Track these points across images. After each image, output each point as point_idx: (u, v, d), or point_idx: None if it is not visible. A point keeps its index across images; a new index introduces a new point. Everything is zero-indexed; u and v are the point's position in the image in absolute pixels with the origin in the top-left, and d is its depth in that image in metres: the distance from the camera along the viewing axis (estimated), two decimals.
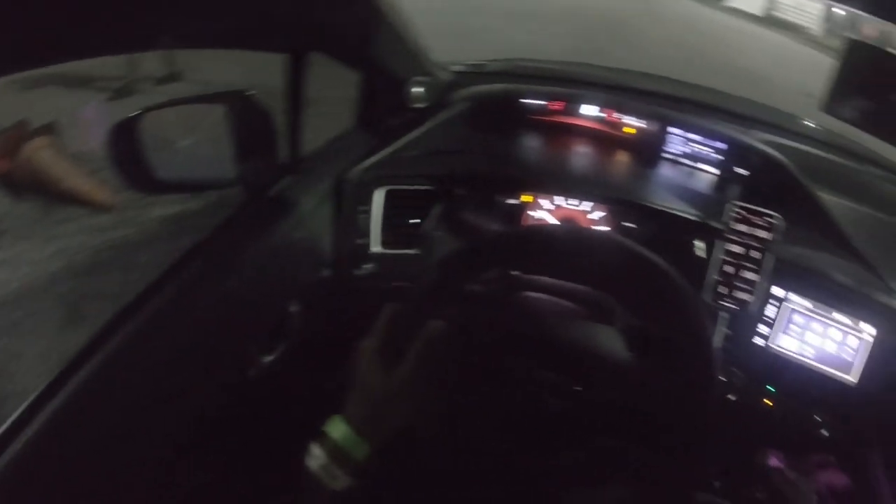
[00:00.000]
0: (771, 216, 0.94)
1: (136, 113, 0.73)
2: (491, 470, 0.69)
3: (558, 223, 1.10)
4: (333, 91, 1.15)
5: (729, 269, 0.95)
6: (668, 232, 1.03)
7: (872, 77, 0.63)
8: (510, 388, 0.67)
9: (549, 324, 0.69)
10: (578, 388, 0.66)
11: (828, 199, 1.08)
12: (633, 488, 0.68)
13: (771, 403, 1.00)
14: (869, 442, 1.10)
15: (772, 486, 1.17)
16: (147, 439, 0.66)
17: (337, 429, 0.61)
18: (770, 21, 12.40)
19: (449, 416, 0.70)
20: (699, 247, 1.01)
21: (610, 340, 0.68)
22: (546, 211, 1.11)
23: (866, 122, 0.65)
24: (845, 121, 0.68)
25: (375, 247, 1.01)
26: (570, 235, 0.71)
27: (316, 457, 0.59)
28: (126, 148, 0.72)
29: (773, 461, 1.29)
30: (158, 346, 0.66)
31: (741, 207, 0.94)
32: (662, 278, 0.64)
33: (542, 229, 0.79)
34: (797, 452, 1.23)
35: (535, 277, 0.81)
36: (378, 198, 1.00)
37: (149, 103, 0.74)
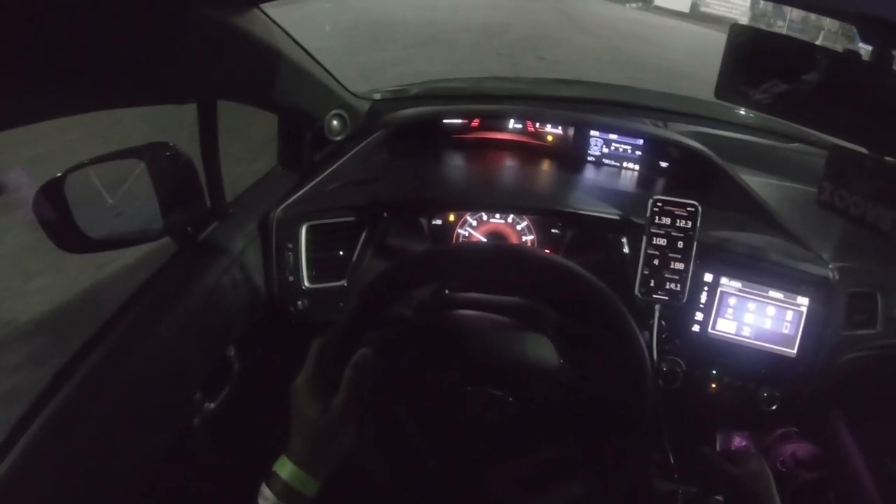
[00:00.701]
0: (690, 205, 1.00)
1: (59, 175, 0.78)
2: (439, 488, 0.74)
3: (482, 239, 1.19)
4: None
5: (656, 262, 1.01)
6: (593, 234, 1.12)
7: (755, 57, 0.67)
8: (447, 406, 0.72)
9: (480, 338, 0.75)
10: (512, 399, 0.70)
11: (750, 179, 1.17)
12: (585, 489, 0.73)
13: (715, 386, 1.07)
14: (826, 408, 1.21)
15: (733, 464, 1.26)
16: (92, 497, 0.69)
17: (284, 468, 0.67)
18: (696, 16, 13.23)
19: (389, 440, 0.76)
20: (626, 244, 1.08)
21: (541, 348, 0.74)
22: (473, 228, 1.20)
23: (756, 102, 0.69)
24: (737, 104, 0.75)
25: (305, 283, 1.05)
26: (472, 250, 0.78)
27: (267, 498, 0.65)
28: (53, 209, 0.77)
29: (737, 440, 1.39)
30: (96, 405, 0.70)
31: (660, 200, 1.00)
32: (578, 281, 0.70)
33: (449, 248, 0.86)
34: (756, 431, 1.33)
35: (464, 294, 0.89)
36: (303, 233, 1.04)
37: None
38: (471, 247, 0.80)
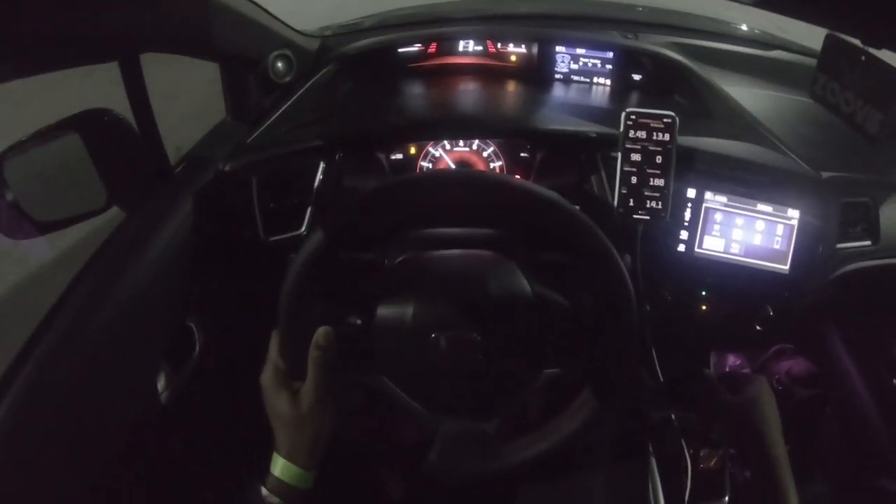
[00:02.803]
0: (666, 116, 0.96)
1: None
2: (432, 446, 0.73)
3: (445, 168, 1.17)
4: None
5: (634, 179, 0.97)
6: (566, 154, 1.09)
7: None
8: (421, 358, 0.71)
9: (443, 280, 0.74)
10: (482, 338, 0.70)
11: (731, 88, 1.13)
12: (591, 407, 0.73)
13: (705, 307, 1.06)
14: (821, 323, 1.23)
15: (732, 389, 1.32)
16: (60, 480, 0.71)
17: (276, 464, 0.69)
18: None
19: (370, 410, 0.77)
20: (600, 162, 1.04)
21: (511, 280, 0.73)
22: (436, 159, 1.18)
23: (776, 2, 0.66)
24: (750, 3, 0.71)
25: (261, 236, 1.03)
26: (436, 180, 0.73)
27: (265, 496, 0.68)
28: None
29: (731, 360, 1.44)
30: (51, 390, 0.70)
31: (634, 113, 0.97)
32: (553, 208, 0.67)
33: (411, 177, 0.78)
34: (744, 346, 1.36)
35: (429, 231, 0.87)
36: (254, 185, 1.01)
37: None
38: (430, 176, 0.77)
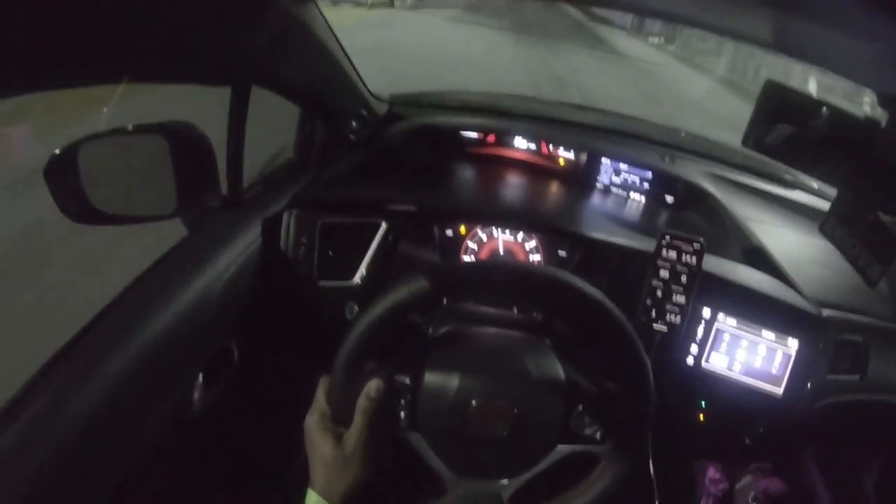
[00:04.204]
0: (697, 241, 1.03)
1: (74, 142, 0.77)
2: (454, 500, 0.76)
3: (501, 257, 1.22)
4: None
5: (659, 293, 1.04)
6: (600, 259, 1.15)
7: (784, 113, 0.73)
8: (455, 422, 0.74)
9: (486, 353, 0.78)
10: (517, 410, 0.74)
11: (749, 219, 1.23)
12: (603, 481, 0.76)
13: (703, 418, 1.11)
14: (801, 447, 1.26)
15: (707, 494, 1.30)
16: (88, 485, 0.69)
17: (309, 500, 0.70)
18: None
19: (405, 465, 0.77)
20: (630, 272, 1.11)
21: (544, 358, 0.78)
22: (482, 242, 1.22)
23: (780, 154, 0.75)
24: (763, 153, 0.80)
25: (315, 279, 1.06)
26: (517, 271, 0.78)
27: None
28: (65, 178, 0.76)
29: (711, 472, 1.44)
30: (87, 396, 0.69)
31: (670, 234, 1.03)
32: (600, 310, 0.73)
33: (491, 263, 0.87)
34: (732, 463, 1.38)
35: (475, 308, 0.90)
36: (318, 230, 1.05)
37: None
38: (516, 268, 0.82)
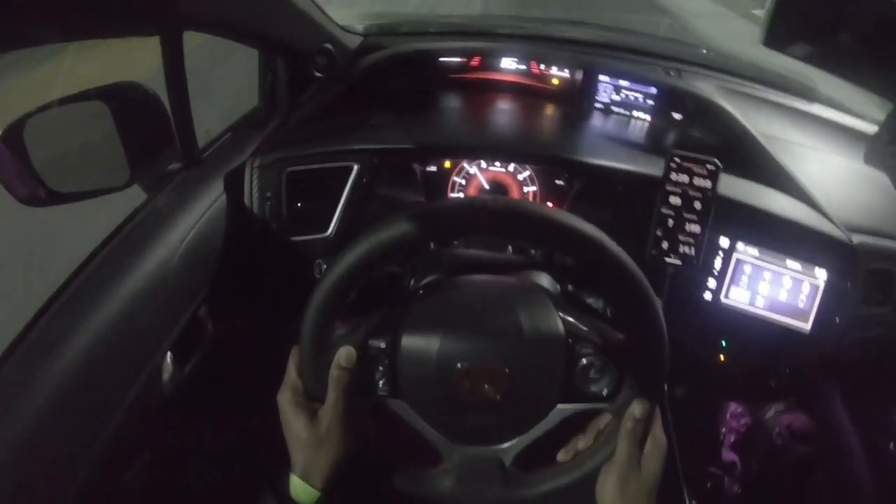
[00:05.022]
0: (711, 163, 0.95)
1: (17, 120, 0.76)
2: (448, 473, 0.74)
3: (486, 193, 1.16)
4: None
5: (670, 222, 0.96)
6: (602, 187, 1.09)
7: (808, 3, 0.60)
8: (443, 387, 0.70)
9: (471, 309, 0.72)
10: (509, 371, 0.69)
11: (769, 137, 1.13)
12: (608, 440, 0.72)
13: (723, 358, 1.06)
14: (827, 382, 1.23)
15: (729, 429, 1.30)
16: (51, 481, 0.68)
17: (289, 483, 0.68)
18: None
19: (388, 433, 0.75)
20: (638, 200, 1.04)
21: (541, 313, 0.72)
22: (470, 176, 1.17)
23: (812, 55, 0.62)
24: (790, 55, 0.70)
25: (285, 234, 1.02)
26: (502, 210, 0.68)
27: None
28: (11, 159, 0.76)
29: (733, 407, 1.44)
30: (51, 371, 0.68)
31: (679, 156, 0.95)
32: (601, 250, 0.66)
33: (470, 201, 0.73)
34: (756, 400, 1.36)
35: (464, 252, 0.86)
36: (284, 181, 1.00)
37: None
38: (486, 202, 0.68)
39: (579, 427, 0.76)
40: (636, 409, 0.69)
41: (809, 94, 1.35)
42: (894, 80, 0.61)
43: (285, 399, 0.70)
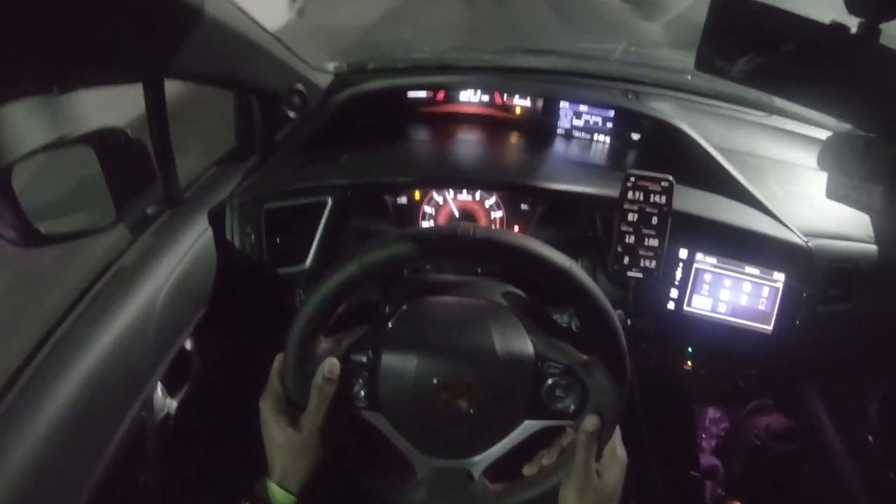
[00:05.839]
0: (664, 180, 1.01)
1: (4, 166, 0.78)
2: (429, 486, 0.77)
3: (456, 213, 1.21)
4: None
5: (630, 238, 1.02)
6: (565, 209, 1.14)
7: (739, 28, 0.67)
8: (420, 402, 0.74)
9: (446, 327, 0.76)
10: (482, 386, 0.73)
11: (726, 150, 1.21)
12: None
13: (690, 364, 1.11)
14: (801, 381, 1.28)
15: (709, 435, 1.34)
16: (55, 500, 0.70)
17: (265, 488, 0.71)
18: None
19: (364, 444, 0.79)
20: (598, 220, 1.10)
21: (511, 331, 0.76)
22: (440, 205, 1.21)
23: (741, 76, 0.69)
24: (718, 76, 0.71)
25: (266, 267, 1.06)
26: (470, 239, 0.72)
27: None
28: (0, 204, 0.79)
29: (711, 412, 1.49)
30: (42, 411, 0.70)
31: (635, 175, 1.01)
32: (565, 277, 0.70)
33: (436, 230, 0.81)
34: (728, 403, 1.41)
35: (433, 276, 0.90)
36: (262, 217, 1.05)
37: None
38: (451, 231, 0.74)
39: (545, 443, 0.79)
40: (588, 423, 0.73)
41: (768, 107, 1.43)
42: (811, 91, 0.69)
43: (267, 404, 0.73)
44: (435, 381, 0.73)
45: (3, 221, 0.80)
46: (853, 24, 0.63)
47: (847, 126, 0.77)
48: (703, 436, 1.42)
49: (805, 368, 1.23)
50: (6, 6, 0.55)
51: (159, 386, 0.92)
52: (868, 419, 1.22)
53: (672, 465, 1.18)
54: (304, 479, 0.72)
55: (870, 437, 1.20)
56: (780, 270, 1.05)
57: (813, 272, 1.06)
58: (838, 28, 0.63)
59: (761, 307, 1.07)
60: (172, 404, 0.95)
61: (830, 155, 0.78)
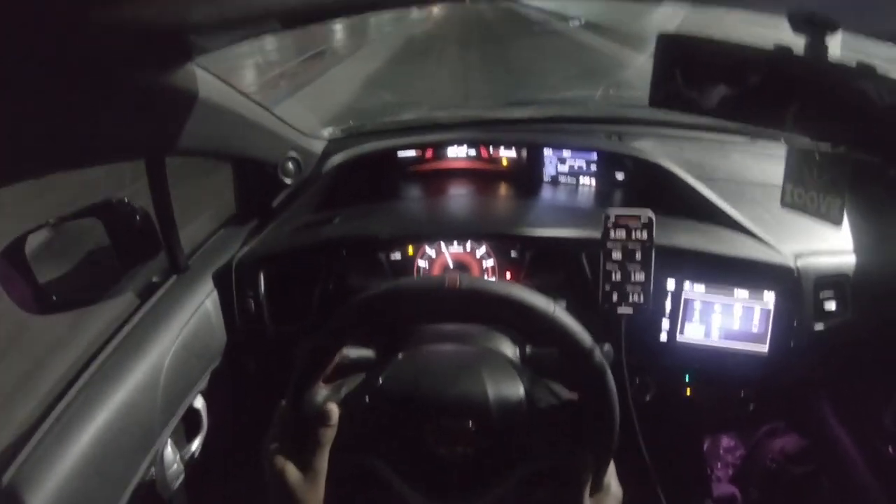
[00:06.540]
0: (644, 215, 1.01)
1: (17, 238, 0.85)
2: None
3: (450, 266, 1.25)
4: None
5: (616, 275, 1.02)
6: (553, 254, 1.18)
7: (686, 63, 0.70)
8: (413, 446, 0.76)
9: (438, 373, 0.80)
10: (476, 430, 0.75)
11: (710, 179, 1.24)
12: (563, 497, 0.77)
13: (689, 392, 1.13)
14: (811, 399, 1.27)
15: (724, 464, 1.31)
16: None
17: None
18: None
19: (365, 488, 0.81)
20: (585, 261, 1.14)
21: (503, 376, 0.79)
22: (433, 259, 1.25)
23: (694, 107, 0.71)
24: (674, 109, 0.74)
25: (268, 326, 1.10)
26: (456, 292, 0.74)
27: None
28: (14, 274, 0.84)
29: (725, 441, 1.47)
30: (58, 468, 0.73)
31: (615, 214, 1.02)
32: (549, 323, 0.72)
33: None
34: (742, 429, 1.39)
35: (425, 327, 0.91)
36: (262, 279, 1.10)
37: None
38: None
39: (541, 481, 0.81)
40: (580, 460, 0.75)
41: (751, 133, 1.46)
42: (765, 112, 0.71)
43: (271, 449, 0.75)
44: (429, 427, 0.75)
45: (17, 288, 0.86)
46: (798, 44, 0.66)
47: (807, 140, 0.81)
48: (719, 465, 1.40)
49: (814, 386, 1.22)
50: (15, 95, 0.61)
51: (169, 442, 0.94)
52: (884, 430, 1.20)
53: (683, 497, 1.16)
54: None
55: (889, 448, 1.18)
56: (769, 290, 1.07)
57: (803, 289, 1.07)
58: (784, 53, 0.66)
59: (754, 329, 1.08)
60: (183, 460, 0.97)
61: (790, 167, 0.82)
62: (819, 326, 1.09)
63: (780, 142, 1.42)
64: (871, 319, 1.10)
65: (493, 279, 1.21)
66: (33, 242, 0.87)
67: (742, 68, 0.68)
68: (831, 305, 1.10)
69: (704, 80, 0.71)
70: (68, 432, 0.77)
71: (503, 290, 0.73)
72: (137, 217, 0.99)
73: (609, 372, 0.73)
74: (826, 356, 1.11)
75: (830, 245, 1.12)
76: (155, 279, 1.04)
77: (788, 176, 0.82)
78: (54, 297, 0.88)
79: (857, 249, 1.11)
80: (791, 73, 0.67)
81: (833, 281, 1.10)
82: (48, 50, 0.59)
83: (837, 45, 0.66)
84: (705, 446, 1.34)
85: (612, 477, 0.78)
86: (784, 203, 0.83)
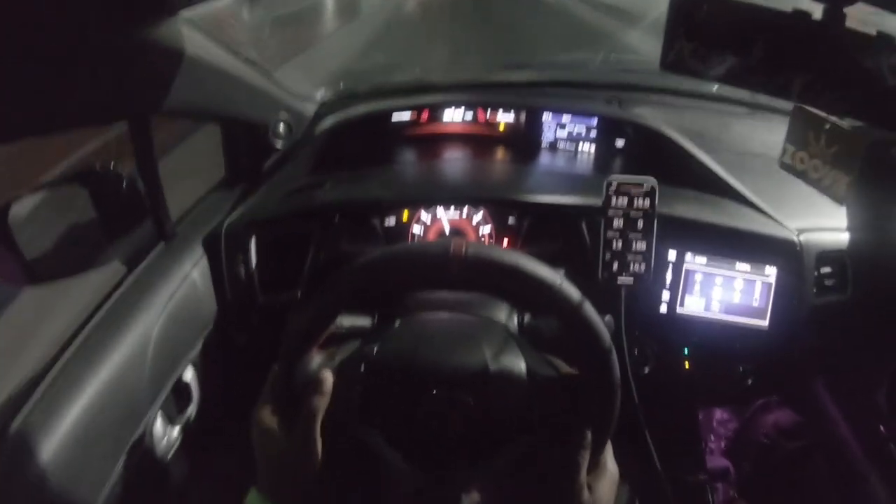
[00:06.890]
0: (647, 182, 1.00)
1: (1, 207, 0.83)
2: (412, 494, 0.78)
3: (447, 230, 1.23)
4: None
5: (617, 244, 1.01)
6: (552, 221, 1.16)
7: (700, 24, 0.68)
8: (409, 417, 0.75)
9: (436, 342, 0.78)
10: (474, 402, 0.73)
11: (711, 148, 1.22)
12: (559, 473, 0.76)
13: (688, 365, 1.13)
14: (806, 374, 1.28)
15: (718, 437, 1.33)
16: None
17: (254, 500, 0.71)
18: None
19: (357, 459, 0.80)
20: (585, 229, 1.12)
21: (503, 347, 0.77)
22: (427, 225, 1.23)
23: (706, 72, 0.69)
24: (686, 75, 0.71)
25: (259, 295, 1.09)
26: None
27: None
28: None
29: (718, 414, 1.49)
30: (45, 445, 0.73)
31: (615, 181, 1.00)
32: (550, 291, 0.70)
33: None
34: (734, 402, 1.41)
35: (423, 295, 0.89)
36: (253, 245, 1.08)
37: None
38: (419, 249, 0.75)
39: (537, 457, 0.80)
40: (579, 437, 0.73)
41: (752, 103, 1.45)
42: (779, 80, 0.69)
43: (261, 415, 0.74)
44: (428, 396, 0.74)
45: (2, 260, 0.84)
46: (817, 10, 0.63)
47: None
48: (713, 437, 1.42)
49: (809, 361, 1.22)
50: None
51: (160, 415, 0.94)
52: (877, 407, 1.22)
53: (679, 469, 1.17)
54: (292, 493, 0.72)
55: (881, 426, 1.19)
56: (770, 264, 1.07)
57: (804, 265, 1.07)
58: (801, 15, 0.63)
59: (755, 303, 1.08)
60: (173, 433, 0.97)
61: (795, 129, 0.79)
62: (818, 302, 1.08)
63: (780, 114, 1.42)
64: (868, 297, 1.10)
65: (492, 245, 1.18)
66: (17, 212, 0.85)
67: (758, 30, 0.66)
68: (832, 281, 1.10)
69: (717, 42, 0.68)
70: (54, 408, 0.76)
71: (510, 258, 0.70)
72: (124, 184, 0.97)
73: (614, 350, 0.72)
74: (823, 333, 1.11)
75: (831, 221, 1.10)
76: (141, 248, 1.01)
77: (791, 137, 0.79)
78: (38, 268, 0.87)
79: (859, 227, 1.10)
80: (807, 39, 0.64)
81: (834, 257, 1.09)
82: (20, 3, 0.56)
83: (856, 15, 0.63)
84: (699, 418, 1.35)
85: (608, 455, 0.77)
86: (783, 164, 0.80)
